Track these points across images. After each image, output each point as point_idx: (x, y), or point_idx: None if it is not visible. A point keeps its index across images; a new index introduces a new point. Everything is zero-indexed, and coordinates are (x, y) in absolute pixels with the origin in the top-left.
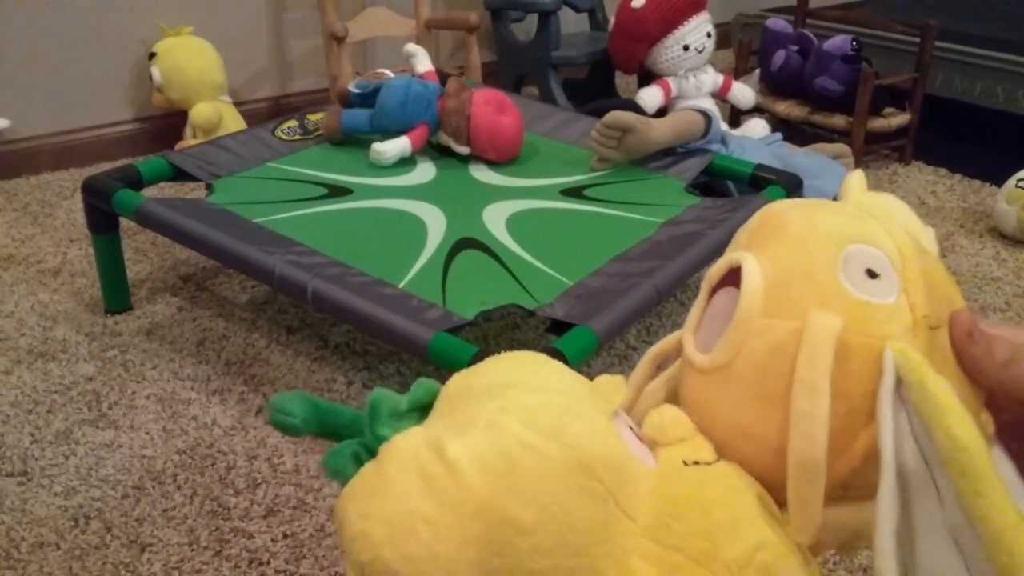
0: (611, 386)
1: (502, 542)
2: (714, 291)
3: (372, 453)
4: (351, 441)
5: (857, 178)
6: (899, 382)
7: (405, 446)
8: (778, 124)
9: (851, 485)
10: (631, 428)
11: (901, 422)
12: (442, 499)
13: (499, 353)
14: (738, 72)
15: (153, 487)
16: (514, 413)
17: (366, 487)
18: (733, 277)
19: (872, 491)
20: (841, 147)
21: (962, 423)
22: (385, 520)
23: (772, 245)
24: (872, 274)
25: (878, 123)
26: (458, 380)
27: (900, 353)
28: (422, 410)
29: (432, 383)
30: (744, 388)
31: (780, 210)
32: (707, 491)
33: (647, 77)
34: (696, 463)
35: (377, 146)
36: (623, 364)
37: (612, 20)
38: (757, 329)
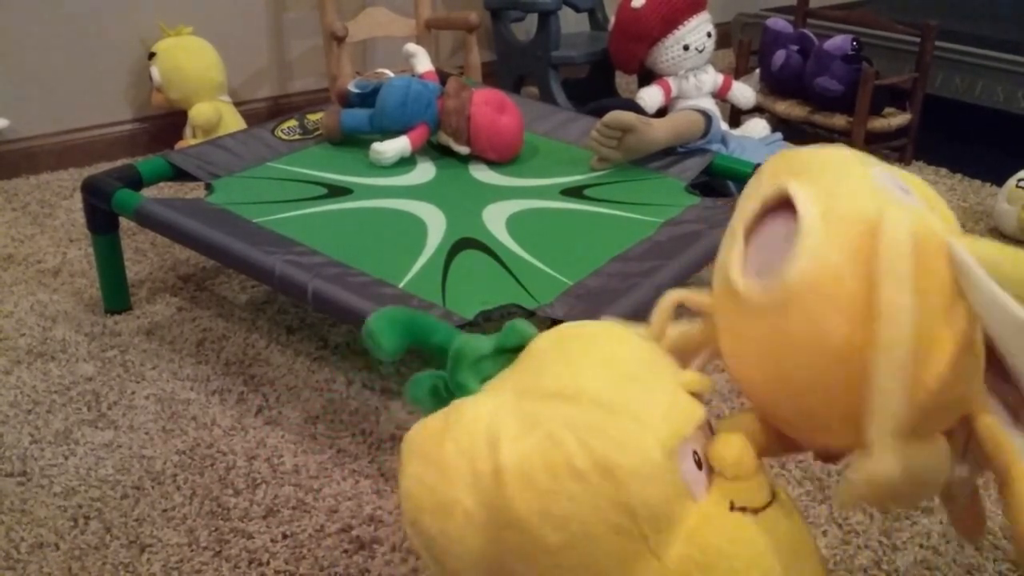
0: (697, 393)
1: (527, 553)
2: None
3: (451, 394)
4: (433, 374)
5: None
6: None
7: (470, 422)
8: (778, 124)
9: (929, 415)
10: (695, 453)
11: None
12: (484, 499)
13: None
14: (738, 72)
15: (153, 487)
16: (576, 431)
17: (427, 448)
18: (774, 211)
19: (944, 427)
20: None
21: None
22: (433, 494)
23: (811, 172)
24: (904, 190)
25: (878, 123)
26: (548, 340)
27: (969, 244)
28: (510, 351)
29: (524, 328)
30: (821, 305)
31: (791, 154)
32: (740, 547)
33: (647, 77)
34: (743, 509)
35: (377, 146)
36: None
37: (612, 20)
38: (826, 239)
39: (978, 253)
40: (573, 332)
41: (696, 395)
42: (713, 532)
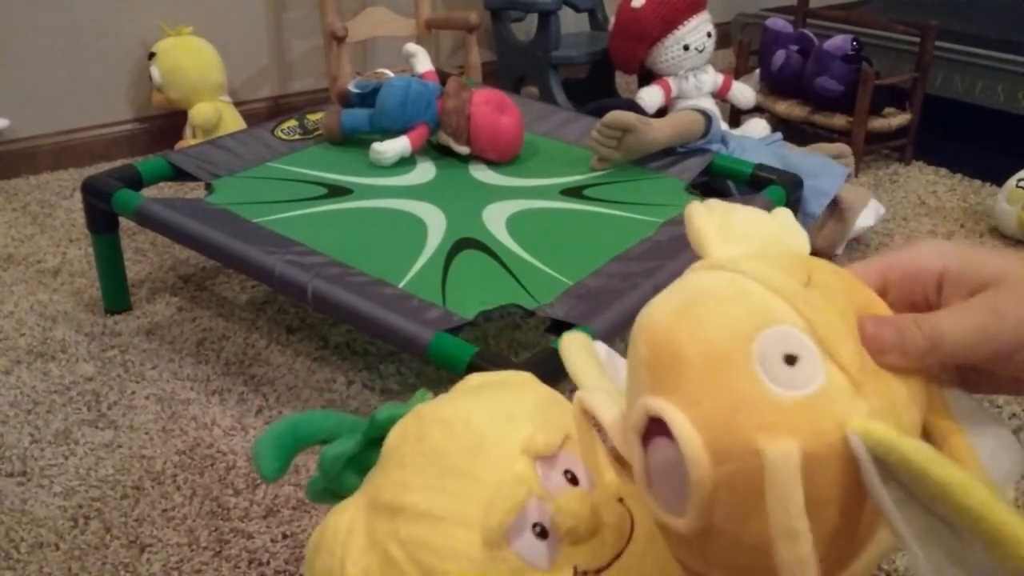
0: (544, 448)
1: None
2: (644, 438)
3: (339, 489)
4: (318, 478)
5: (700, 219)
6: (876, 460)
7: (329, 541)
8: (778, 124)
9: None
10: (535, 525)
11: (893, 491)
12: None
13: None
14: (738, 72)
15: (153, 487)
16: (404, 546)
17: (311, 558)
18: (660, 426)
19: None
20: (841, 147)
21: (958, 484)
22: None
23: (682, 384)
24: (791, 359)
25: (878, 123)
26: (394, 439)
27: (863, 435)
28: (377, 442)
29: (382, 417)
30: (732, 539)
31: (665, 332)
32: None
33: (647, 77)
34: (585, 573)
35: (377, 146)
36: None
37: (612, 20)
38: (718, 481)
39: (879, 441)
40: (411, 426)
41: (547, 456)
42: None
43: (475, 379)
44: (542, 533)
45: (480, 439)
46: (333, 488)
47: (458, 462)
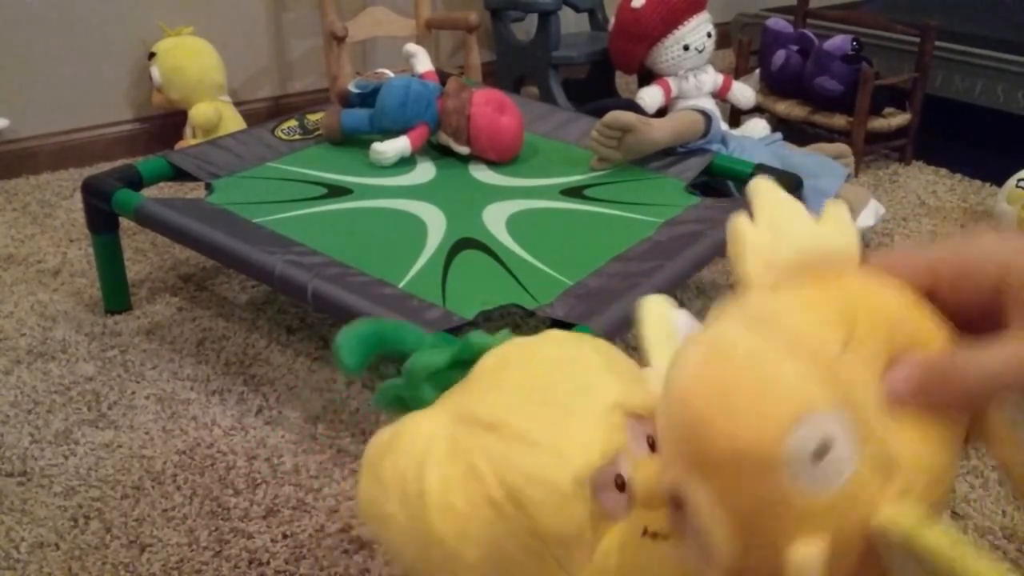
0: (633, 412)
1: (448, 567)
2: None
3: (411, 402)
4: (396, 383)
5: (743, 244)
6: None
7: (406, 443)
8: (778, 124)
9: None
10: (618, 476)
11: (914, 570)
12: (411, 518)
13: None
14: (738, 72)
15: (153, 487)
16: (493, 462)
17: (374, 461)
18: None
19: None
20: (841, 147)
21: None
22: (374, 504)
23: (711, 474)
24: (822, 451)
25: (878, 123)
26: (491, 361)
27: (890, 526)
28: (465, 363)
29: (478, 342)
30: None
31: (695, 417)
32: (647, 572)
33: (647, 77)
34: (655, 535)
35: (377, 146)
36: None
37: (612, 20)
38: (744, 567)
39: (905, 533)
40: (514, 354)
41: (636, 416)
42: (624, 555)
43: (564, 333)
44: (622, 486)
45: (586, 382)
46: (409, 396)
47: (562, 398)
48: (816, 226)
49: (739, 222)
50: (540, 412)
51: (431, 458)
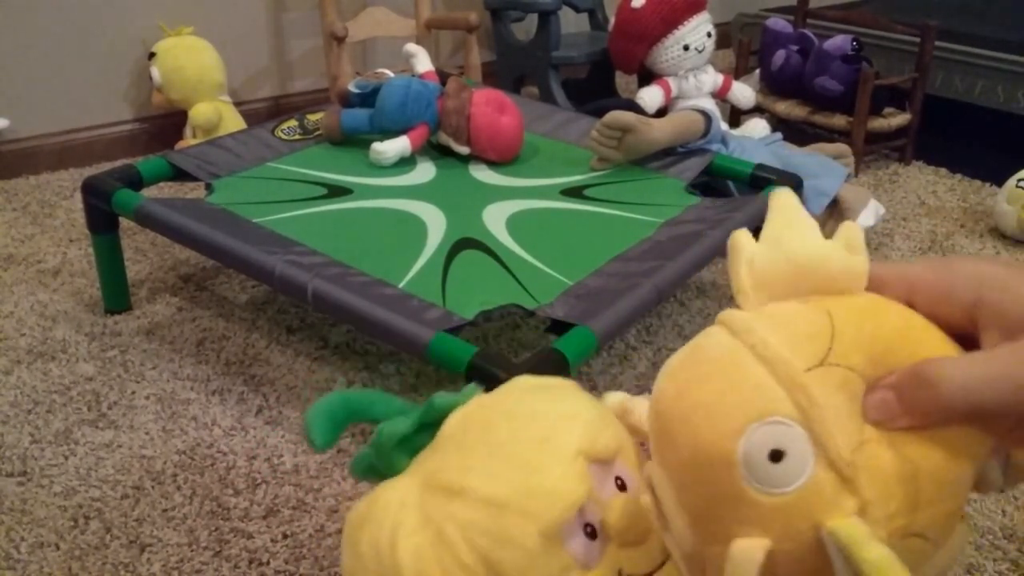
0: (602, 451)
1: None
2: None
3: (386, 468)
4: (369, 452)
5: (736, 258)
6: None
7: (380, 514)
8: (778, 124)
9: None
10: (586, 526)
11: None
12: None
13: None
14: (738, 72)
15: (153, 487)
16: (463, 529)
17: (351, 534)
18: None
19: None
20: (841, 147)
21: None
22: (352, 571)
23: (673, 464)
24: (777, 455)
25: (878, 123)
26: (454, 424)
27: (831, 536)
28: (431, 427)
29: (441, 404)
30: None
31: (665, 411)
32: None
33: (647, 77)
34: None
35: (377, 146)
36: (623, 364)
37: (612, 20)
38: (704, 555)
39: (844, 544)
40: (475, 414)
41: (603, 461)
42: None
43: (526, 380)
44: (592, 534)
45: (545, 434)
46: (381, 465)
47: (523, 454)
48: (824, 245)
49: (738, 235)
50: (503, 472)
51: (402, 529)
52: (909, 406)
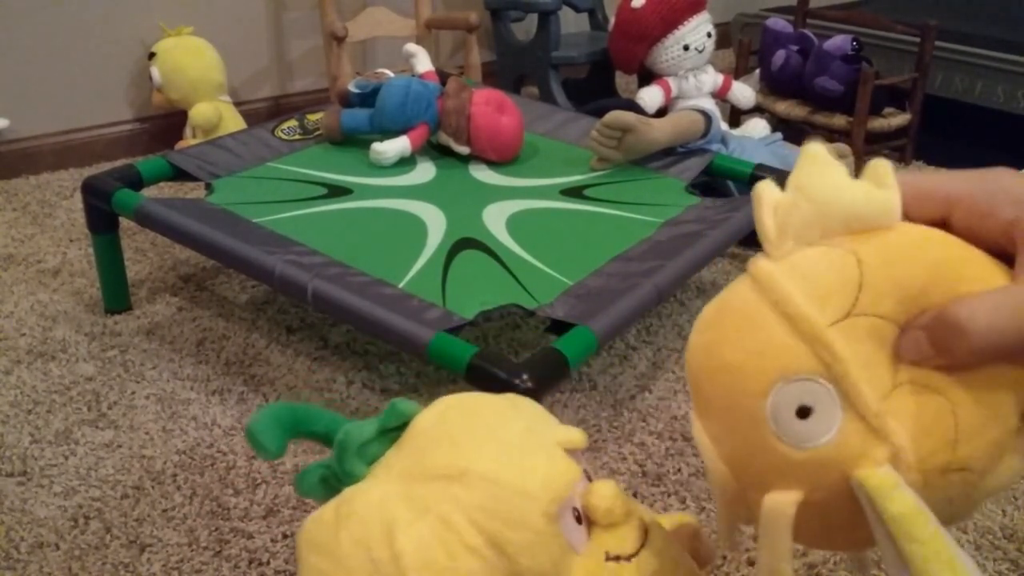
0: (573, 448)
1: None
2: None
3: (339, 481)
4: (320, 464)
5: (762, 207)
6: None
7: (361, 513)
8: (778, 124)
9: None
10: (574, 509)
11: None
12: None
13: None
14: (738, 72)
15: (153, 487)
16: (466, 511)
17: (322, 541)
18: None
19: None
20: (841, 147)
21: (927, 554)
22: (326, 575)
23: (711, 418)
24: (804, 411)
25: (878, 123)
26: (430, 419)
27: (860, 486)
28: (392, 432)
29: (404, 407)
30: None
31: (696, 368)
32: None
33: (647, 77)
34: (617, 558)
35: (377, 146)
36: (623, 364)
37: (612, 20)
38: (749, 506)
39: (871, 494)
40: (454, 409)
41: (572, 452)
42: None
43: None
44: (578, 519)
45: (527, 424)
46: (339, 472)
47: (512, 439)
48: (851, 184)
49: (762, 184)
50: (499, 455)
51: (398, 522)
52: (940, 349)
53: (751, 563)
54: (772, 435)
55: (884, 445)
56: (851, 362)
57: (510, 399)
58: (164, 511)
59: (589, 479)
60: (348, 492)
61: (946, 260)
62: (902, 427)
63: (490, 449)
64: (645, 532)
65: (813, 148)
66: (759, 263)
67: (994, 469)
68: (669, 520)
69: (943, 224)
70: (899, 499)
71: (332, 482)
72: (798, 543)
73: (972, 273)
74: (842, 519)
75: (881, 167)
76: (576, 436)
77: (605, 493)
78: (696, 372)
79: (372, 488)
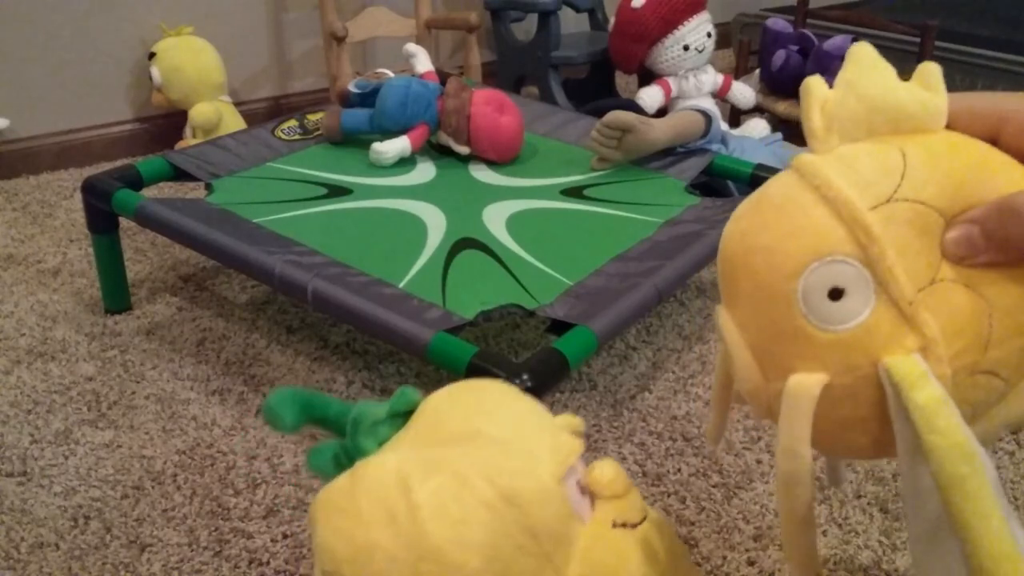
0: (572, 432)
1: None
2: None
3: (351, 458)
4: (333, 443)
5: (809, 101)
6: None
7: (378, 474)
8: (778, 124)
9: None
10: (577, 482)
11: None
12: (401, 536)
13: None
14: (738, 72)
15: (153, 487)
16: (478, 466)
17: (339, 502)
18: None
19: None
20: None
21: (936, 447)
22: (350, 541)
23: (738, 304)
24: (836, 293)
25: None
26: (440, 398)
27: (886, 372)
28: (403, 415)
29: (413, 393)
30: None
31: (729, 253)
32: (625, 560)
33: (647, 77)
34: (624, 524)
35: (377, 146)
36: (623, 364)
37: (612, 20)
38: (769, 398)
39: (896, 381)
40: (464, 389)
41: (572, 434)
42: (601, 549)
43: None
44: (581, 491)
45: (530, 406)
46: (351, 448)
47: (521, 414)
48: (899, 84)
49: (811, 79)
50: (509, 422)
51: (413, 476)
52: (995, 240)
53: (751, 563)
54: (801, 316)
55: (915, 335)
56: (888, 245)
57: (513, 387)
58: (164, 511)
59: (584, 464)
60: (361, 463)
61: (990, 161)
62: (935, 320)
63: (500, 416)
64: (645, 510)
65: (863, 48)
66: (803, 156)
67: (1019, 384)
68: None
69: (993, 142)
70: (926, 388)
71: (343, 461)
72: (812, 446)
73: (1015, 176)
74: (863, 411)
75: (931, 71)
76: (574, 420)
77: (608, 467)
78: (730, 257)
79: (386, 455)
